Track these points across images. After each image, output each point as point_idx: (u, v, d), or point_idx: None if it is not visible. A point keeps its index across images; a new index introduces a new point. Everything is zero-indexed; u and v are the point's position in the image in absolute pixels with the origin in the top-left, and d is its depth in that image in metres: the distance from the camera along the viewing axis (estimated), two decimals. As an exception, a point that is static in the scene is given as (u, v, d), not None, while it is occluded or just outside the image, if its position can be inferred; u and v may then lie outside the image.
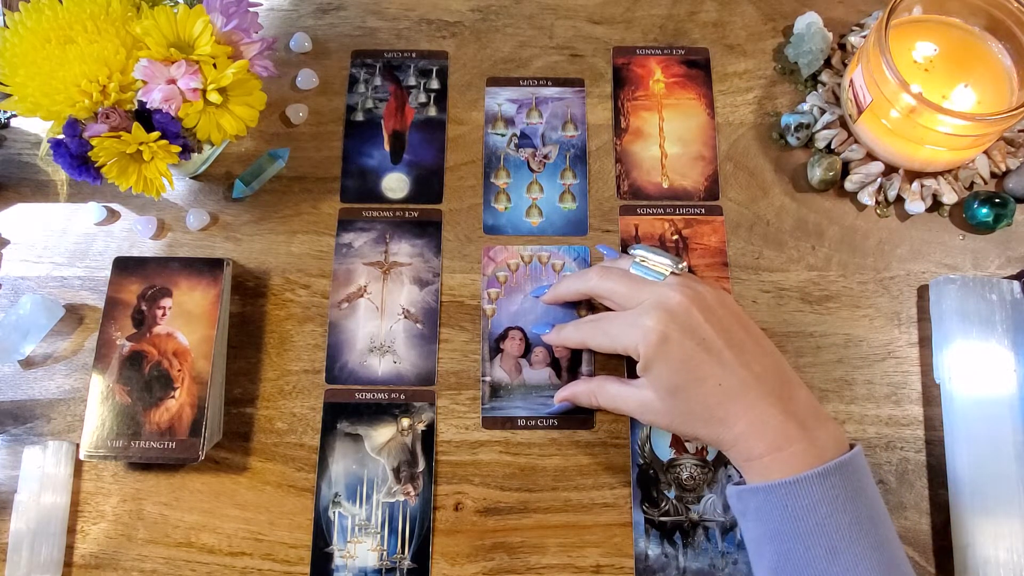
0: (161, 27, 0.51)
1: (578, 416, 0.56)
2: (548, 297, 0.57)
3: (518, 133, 0.64)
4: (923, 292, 0.58)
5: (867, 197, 0.60)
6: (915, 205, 0.59)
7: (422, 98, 0.65)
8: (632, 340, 0.48)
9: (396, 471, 0.55)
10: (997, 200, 0.58)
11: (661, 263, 0.51)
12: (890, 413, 0.56)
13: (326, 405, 0.56)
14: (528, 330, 0.58)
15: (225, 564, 0.53)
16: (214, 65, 0.52)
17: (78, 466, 0.55)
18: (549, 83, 0.65)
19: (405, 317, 0.58)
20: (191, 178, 0.62)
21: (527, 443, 0.55)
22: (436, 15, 0.67)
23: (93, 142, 0.50)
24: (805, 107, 0.63)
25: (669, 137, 0.63)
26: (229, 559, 0.53)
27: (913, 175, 0.60)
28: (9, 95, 0.52)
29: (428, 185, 0.62)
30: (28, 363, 0.57)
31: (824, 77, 0.64)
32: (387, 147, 0.63)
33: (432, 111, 0.64)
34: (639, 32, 0.67)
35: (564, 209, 0.61)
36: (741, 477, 0.49)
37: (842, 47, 0.65)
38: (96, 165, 0.52)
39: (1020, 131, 0.61)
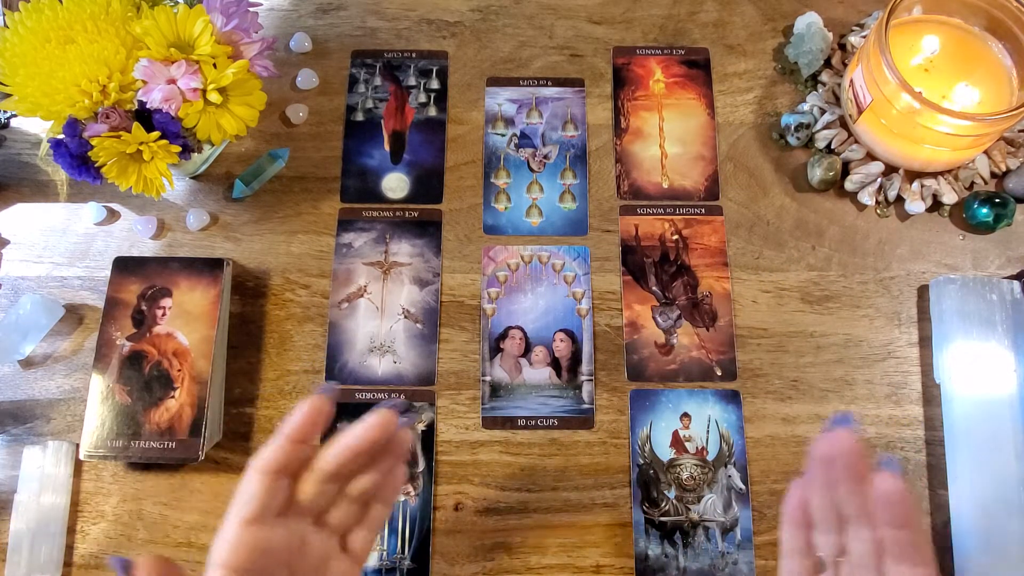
0: (161, 27, 0.51)
1: (578, 416, 0.56)
2: None
3: (518, 133, 0.64)
4: (923, 292, 0.58)
5: (867, 197, 0.60)
6: (915, 205, 0.59)
7: (422, 98, 0.65)
8: None
9: (396, 471, 0.54)
10: (997, 200, 0.58)
11: None
12: (890, 413, 0.56)
13: (326, 405, 0.56)
14: (527, 328, 0.58)
15: (225, 564, 0.53)
16: (214, 65, 0.52)
17: (78, 466, 0.55)
18: (549, 83, 0.65)
19: (405, 317, 0.58)
20: (191, 178, 0.62)
21: (527, 443, 0.55)
22: (436, 15, 0.67)
23: (93, 142, 0.50)
24: (805, 107, 0.63)
25: (669, 137, 0.63)
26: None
27: (913, 175, 0.60)
28: (9, 95, 0.52)
29: (428, 185, 0.62)
30: (28, 363, 0.57)
31: (824, 77, 0.64)
32: (387, 147, 0.63)
33: (432, 111, 0.64)
34: (639, 32, 0.67)
35: (564, 209, 0.61)
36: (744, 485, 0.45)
37: (842, 47, 0.65)
38: (96, 165, 0.52)
39: (1020, 131, 0.61)
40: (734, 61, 0.66)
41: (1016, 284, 0.56)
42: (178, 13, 0.52)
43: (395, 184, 0.62)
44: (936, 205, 0.60)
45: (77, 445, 0.54)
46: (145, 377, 0.54)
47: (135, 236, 0.61)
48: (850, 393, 0.56)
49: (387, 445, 0.40)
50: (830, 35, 0.64)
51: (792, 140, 0.62)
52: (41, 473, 0.54)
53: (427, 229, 0.61)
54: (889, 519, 0.37)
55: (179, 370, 0.54)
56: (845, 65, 0.64)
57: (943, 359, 0.55)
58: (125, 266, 0.57)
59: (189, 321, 0.55)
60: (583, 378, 0.57)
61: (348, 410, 0.56)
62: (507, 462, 0.55)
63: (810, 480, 0.40)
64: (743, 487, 0.54)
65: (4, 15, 0.60)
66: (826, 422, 0.41)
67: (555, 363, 0.57)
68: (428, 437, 0.55)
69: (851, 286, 0.59)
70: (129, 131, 0.51)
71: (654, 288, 0.59)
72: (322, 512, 0.40)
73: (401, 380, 0.57)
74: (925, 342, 0.57)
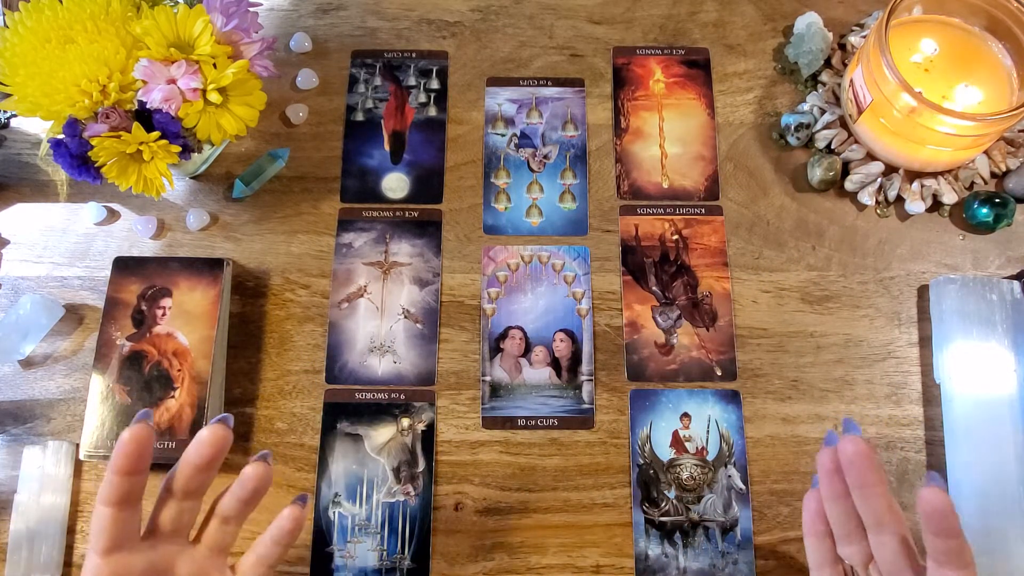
0: (161, 27, 0.51)
1: (578, 416, 0.56)
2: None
3: (518, 133, 0.64)
4: (923, 292, 0.58)
5: (867, 197, 0.60)
6: (915, 205, 0.59)
7: (422, 98, 0.65)
8: None
9: (396, 471, 0.55)
10: (997, 200, 0.58)
11: None
12: (890, 413, 0.56)
13: (326, 405, 0.56)
14: (527, 328, 0.58)
15: (225, 564, 0.53)
16: (214, 65, 0.52)
17: (78, 466, 0.55)
18: (549, 83, 0.65)
19: (405, 317, 0.58)
20: (191, 178, 0.62)
21: (527, 443, 0.55)
22: (436, 15, 0.67)
23: (93, 142, 0.50)
24: (805, 107, 0.63)
25: (669, 137, 0.63)
26: (229, 559, 0.53)
27: (913, 175, 0.60)
28: (9, 95, 0.52)
29: (428, 185, 0.62)
30: (28, 363, 0.57)
31: (824, 77, 0.64)
32: (387, 147, 0.63)
33: (432, 111, 0.64)
34: (639, 32, 0.67)
35: (564, 209, 0.61)
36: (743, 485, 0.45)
37: (842, 47, 0.65)
38: (96, 165, 0.52)
39: (1020, 131, 0.61)
40: (734, 61, 0.66)
41: (1016, 284, 0.56)
42: (178, 13, 0.52)
43: (395, 184, 0.62)
44: (936, 205, 0.60)
45: (77, 445, 0.54)
46: (145, 377, 0.54)
47: (135, 236, 0.61)
48: (850, 393, 0.56)
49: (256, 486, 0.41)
50: (830, 35, 0.64)
51: (792, 140, 0.62)
52: (41, 473, 0.54)
53: (427, 229, 0.61)
54: (938, 531, 0.37)
55: (179, 370, 0.54)
56: (845, 65, 0.64)
57: (943, 359, 0.55)
58: (125, 266, 0.57)
59: (189, 321, 0.55)
60: (583, 378, 0.57)
61: (348, 410, 0.56)
62: (507, 462, 0.55)
63: (824, 491, 0.40)
64: (743, 487, 0.54)
65: (4, 15, 0.60)
66: (830, 431, 0.41)
67: (555, 363, 0.57)
68: (428, 437, 0.55)
69: (851, 286, 0.59)
70: (129, 131, 0.51)
71: (654, 288, 0.59)
72: (187, 530, 0.41)
73: (401, 380, 0.57)
74: (925, 342, 0.57)
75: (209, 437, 0.39)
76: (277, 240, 0.61)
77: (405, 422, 0.56)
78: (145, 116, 0.51)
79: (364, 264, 0.60)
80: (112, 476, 0.38)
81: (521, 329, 0.58)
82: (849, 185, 0.60)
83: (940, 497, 0.36)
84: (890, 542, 0.38)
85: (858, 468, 0.38)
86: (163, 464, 0.54)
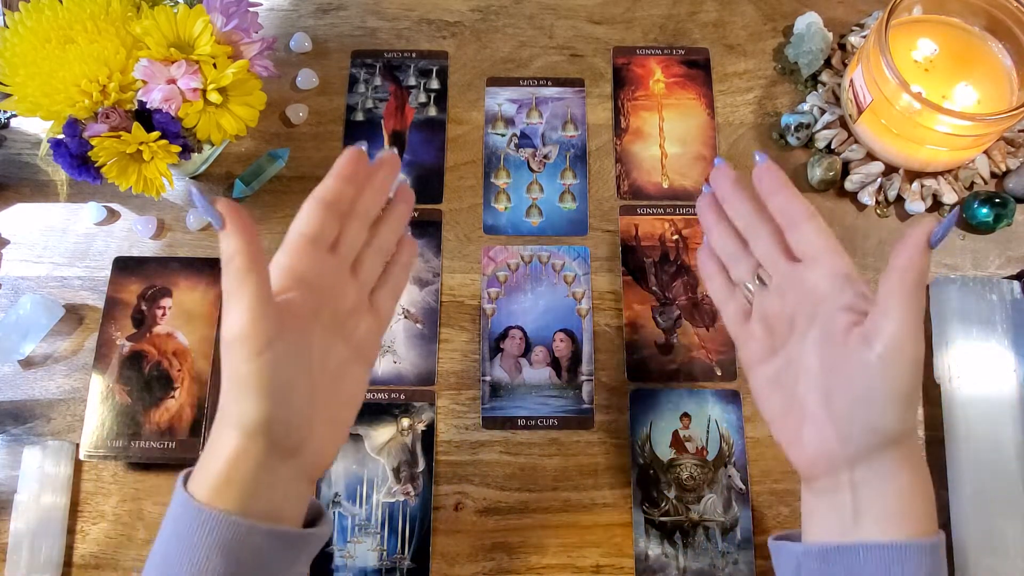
0: (161, 27, 0.51)
1: (578, 416, 0.56)
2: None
3: (518, 133, 0.64)
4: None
5: (867, 197, 0.60)
6: (915, 205, 0.59)
7: (422, 98, 0.65)
8: None
9: (396, 471, 0.55)
10: (997, 200, 0.58)
11: None
12: (890, 413, 0.56)
13: (326, 405, 0.56)
14: (527, 328, 0.58)
15: (225, 564, 0.53)
16: (214, 65, 0.52)
17: (78, 466, 0.55)
18: (549, 83, 0.65)
19: (405, 317, 0.58)
20: (191, 178, 0.62)
21: (527, 443, 0.55)
22: (436, 15, 0.67)
23: (93, 142, 0.50)
24: (805, 107, 0.63)
25: (669, 137, 0.63)
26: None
27: (913, 175, 0.60)
28: (9, 95, 0.52)
29: (428, 185, 0.62)
30: (28, 363, 0.57)
31: (824, 77, 0.64)
32: (387, 147, 0.63)
33: (432, 111, 0.64)
34: (639, 32, 0.67)
35: (564, 209, 0.61)
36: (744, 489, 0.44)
37: (842, 47, 0.65)
38: (96, 165, 0.52)
39: (1020, 131, 0.61)
40: (734, 61, 0.66)
41: (1016, 284, 0.56)
42: (178, 13, 0.52)
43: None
44: (936, 205, 0.60)
45: (77, 445, 0.54)
46: (145, 377, 0.54)
47: (135, 236, 0.61)
48: (850, 393, 0.56)
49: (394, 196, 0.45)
50: (830, 35, 0.64)
51: (792, 140, 0.62)
52: (41, 473, 0.54)
53: (427, 229, 0.61)
54: (766, 190, 0.40)
55: (179, 370, 0.54)
56: (845, 65, 0.64)
57: (943, 359, 0.55)
58: (125, 266, 0.57)
59: (189, 321, 0.55)
60: (583, 378, 0.57)
61: (348, 410, 0.56)
62: (507, 462, 0.55)
63: (705, 224, 0.44)
64: (743, 487, 0.54)
65: (4, 15, 0.60)
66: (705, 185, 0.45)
67: (555, 363, 0.57)
68: (428, 437, 0.55)
69: (851, 286, 0.59)
70: (129, 131, 0.51)
71: (654, 288, 0.59)
72: (356, 261, 0.42)
73: (401, 380, 0.57)
74: (925, 342, 0.57)
75: (350, 154, 0.41)
76: (277, 240, 0.60)
77: (405, 422, 0.56)
78: (145, 116, 0.51)
79: (364, 264, 0.60)
80: (330, 180, 0.40)
81: (521, 329, 0.58)
82: (849, 185, 0.60)
83: (764, 164, 0.41)
84: (762, 236, 0.41)
85: (722, 182, 0.42)
86: (162, 464, 0.54)
